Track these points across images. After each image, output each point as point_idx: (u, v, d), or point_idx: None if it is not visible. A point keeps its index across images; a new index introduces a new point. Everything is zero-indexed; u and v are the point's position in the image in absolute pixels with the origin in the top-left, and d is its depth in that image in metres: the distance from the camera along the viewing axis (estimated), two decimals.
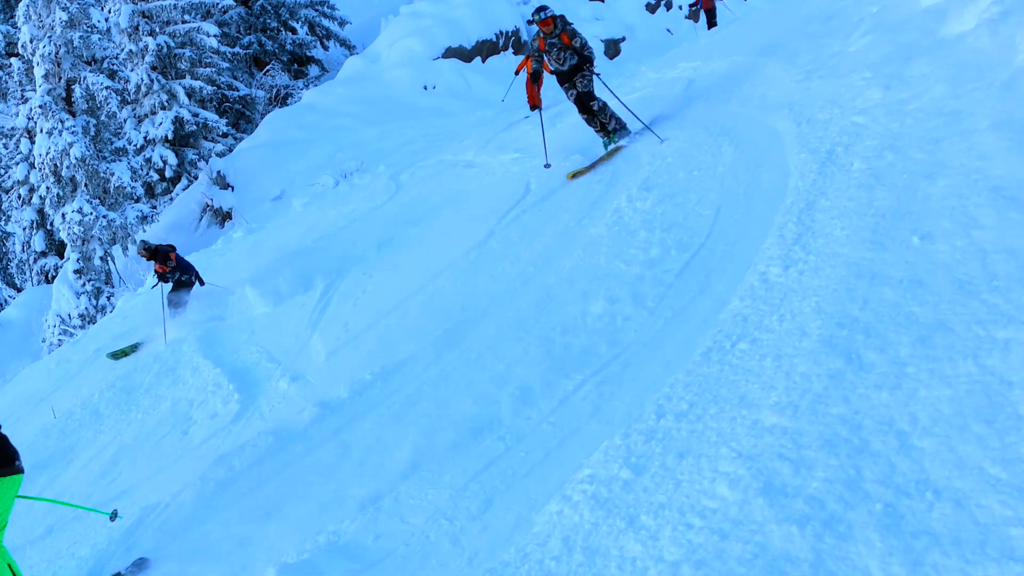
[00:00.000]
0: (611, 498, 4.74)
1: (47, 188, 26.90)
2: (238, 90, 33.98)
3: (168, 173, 29.42)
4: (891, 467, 4.04)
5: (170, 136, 29.08)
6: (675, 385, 5.58)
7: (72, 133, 26.08)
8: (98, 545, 7.44)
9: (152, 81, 28.70)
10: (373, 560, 5.38)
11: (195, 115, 29.78)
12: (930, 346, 4.78)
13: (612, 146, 11.63)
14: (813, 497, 4.03)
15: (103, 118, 27.71)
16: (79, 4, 26.45)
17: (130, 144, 28.78)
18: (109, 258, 26.78)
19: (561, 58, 11.37)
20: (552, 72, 11.75)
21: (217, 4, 32.46)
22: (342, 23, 37.81)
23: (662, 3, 41.70)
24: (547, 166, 12.16)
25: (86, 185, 26.46)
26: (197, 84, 30.39)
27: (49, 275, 31.08)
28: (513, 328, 7.78)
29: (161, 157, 29.14)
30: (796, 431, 4.55)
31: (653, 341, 6.47)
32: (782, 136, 8.97)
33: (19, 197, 30.39)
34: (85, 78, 26.82)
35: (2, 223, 33.68)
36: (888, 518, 3.76)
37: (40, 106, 25.91)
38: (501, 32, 33.82)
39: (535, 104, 13.66)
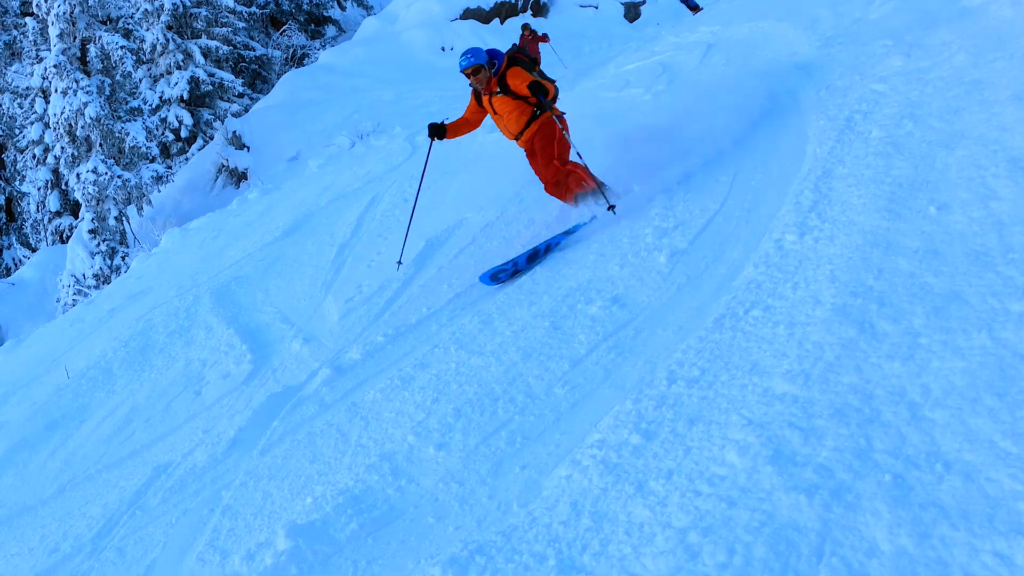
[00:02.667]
0: (620, 463, 4.75)
1: (62, 148, 26.93)
2: (254, 50, 33.93)
3: (183, 133, 29.43)
4: (901, 438, 4.03)
5: (185, 96, 29.07)
6: (687, 351, 5.57)
7: (87, 93, 26.07)
8: (109, 504, 7.49)
9: (168, 41, 28.67)
10: (382, 521, 5.39)
11: (211, 75, 29.75)
12: (944, 317, 4.76)
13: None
14: (822, 466, 4.03)
15: (118, 78, 27.70)
16: None
17: (145, 104, 28.79)
18: (124, 218, 26.84)
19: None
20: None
21: None
22: None
23: None
24: None
25: (101, 145, 26.49)
26: (213, 44, 30.35)
27: (64, 235, 31.20)
28: (526, 293, 7.76)
29: (176, 117, 29.15)
30: (807, 400, 4.54)
31: (666, 307, 6.44)
32: (800, 102, 8.90)
33: (34, 157, 30.47)
34: (100, 37, 26.78)
35: (17, 183, 33.78)
36: (897, 489, 3.75)
37: (55, 66, 25.89)
38: None
39: None
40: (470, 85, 8.89)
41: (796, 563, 3.60)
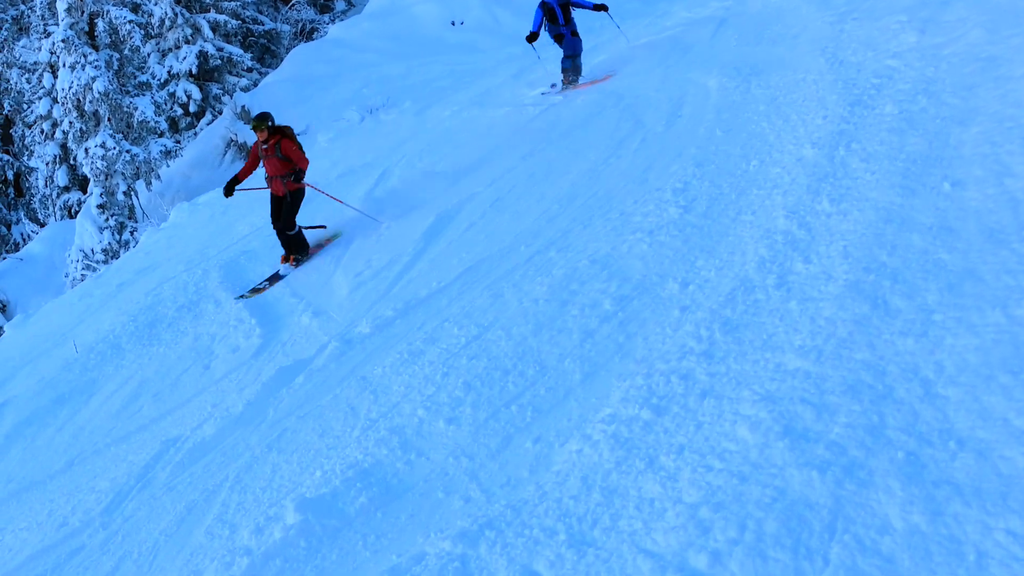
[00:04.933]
0: (631, 438, 4.74)
1: (70, 123, 26.86)
2: (263, 24, 33.79)
3: (192, 108, 29.32)
4: (914, 415, 4.02)
5: (194, 71, 28.94)
6: (699, 325, 5.55)
7: (95, 67, 25.98)
8: (117, 479, 7.51)
9: (176, 15, 28.52)
10: (392, 495, 5.38)
11: (219, 49, 29.62)
12: (958, 294, 4.74)
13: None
14: (835, 443, 4.02)
15: (126, 52, 27.61)
16: None
17: (154, 79, 28.68)
18: (132, 193, 26.78)
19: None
20: None
21: None
22: None
23: None
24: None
25: (109, 120, 26.41)
26: (222, 18, 30.19)
27: (72, 210, 31.18)
28: (537, 267, 7.73)
29: (185, 92, 29.03)
30: (819, 375, 4.52)
31: (677, 282, 6.41)
32: (814, 78, 8.84)
33: (42, 132, 30.40)
34: (108, 12, 26.69)
35: (25, 158, 33.75)
36: (910, 466, 3.74)
37: (63, 40, 25.78)
38: None
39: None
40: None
41: (808, 539, 3.59)
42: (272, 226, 11.56)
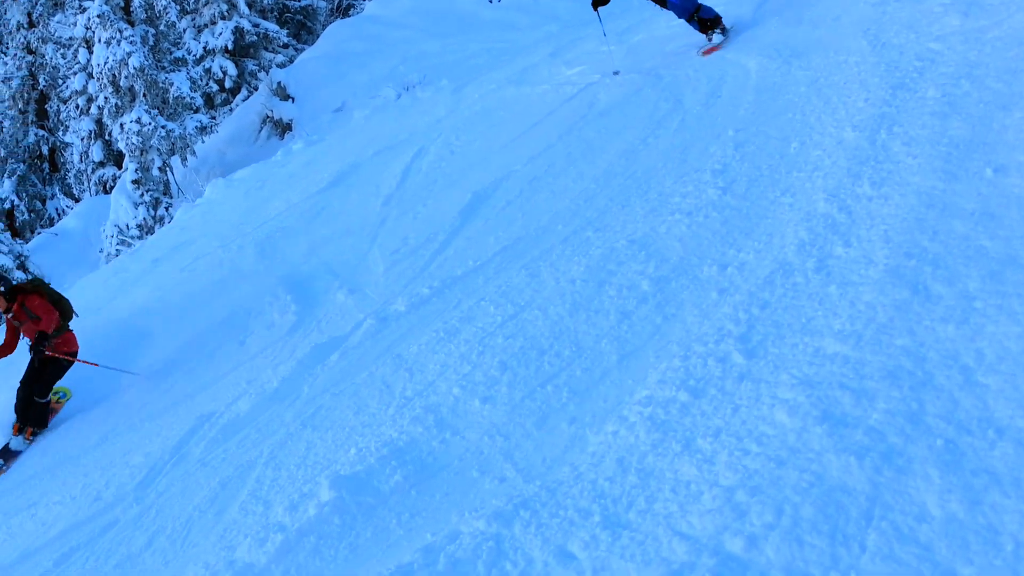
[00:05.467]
0: (668, 420, 4.74)
1: (105, 98, 27.00)
2: (299, 0, 33.81)
3: (228, 84, 29.41)
4: (954, 403, 3.99)
5: (230, 46, 29.00)
6: (737, 308, 5.53)
7: (130, 43, 26.09)
8: (152, 454, 7.57)
9: None
10: (427, 474, 5.41)
11: (255, 25, 29.67)
12: (1000, 281, 4.70)
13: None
14: (873, 429, 4.00)
15: (162, 28, 27.73)
16: None
17: (189, 54, 28.78)
18: (168, 169, 26.91)
19: None
20: None
21: None
22: None
23: None
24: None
25: (144, 95, 26.53)
26: None
27: (107, 185, 31.34)
28: (574, 247, 7.72)
29: (221, 68, 29.12)
30: (859, 360, 4.50)
31: (716, 264, 6.38)
32: (855, 60, 8.75)
33: (77, 107, 30.55)
34: None
35: (60, 133, 33.94)
36: (948, 454, 3.73)
37: (98, 15, 25.89)
38: None
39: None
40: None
41: (845, 526, 3.58)
42: (17, 390, 9.71)
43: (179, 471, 7.15)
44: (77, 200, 34.60)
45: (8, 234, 33.31)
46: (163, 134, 25.95)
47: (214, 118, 28.84)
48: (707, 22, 11.60)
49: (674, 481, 4.25)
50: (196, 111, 27.57)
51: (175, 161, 27.13)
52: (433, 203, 10.83)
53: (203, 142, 27.25)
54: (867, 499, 3.66)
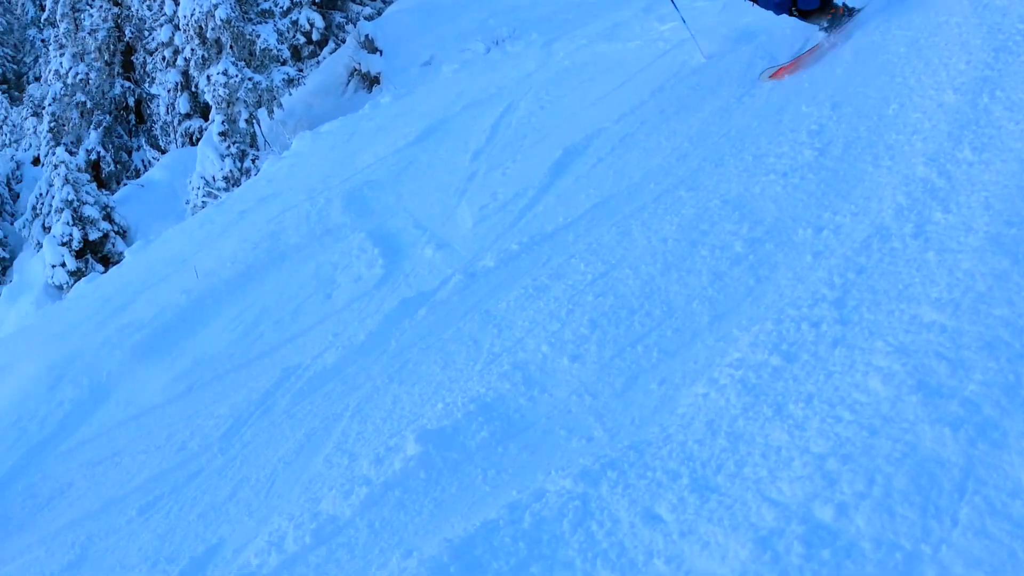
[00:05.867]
0: (759, 384, 4.70)
1: (191, 50, 27.32)
2: None
3: (315, 36, 29.53)
4: None
5: None
6: (832, 272, 5.45)
7: None
8: (237, 405, 7.71)
9: None
10: (513, 431, 5.44)
11: None
12: None
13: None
14: (969, 400, 3.92)
15: None
16: None
17: (276, 6, 28.91)
18: (254, 121, 27.20)
19: None
20: None
21: None
22: None
23: None
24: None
25: (231, 47, 26.79)
26: None
27: (193, 137, 31.81)
28: (666, 205, 7.65)
29: (308, 20, 29.24)
30: (956, 330, 4.41)
31: (810, 226, 6.29)
32: (957, 21, 8.52)
33: (163, 59, 30.98)
34: None
35: (146, 85, 34.44)
36: None
37: None
38: None
39: None
40: None
41: (937, 498, 3.53)
42: None
43: (264, 422, 7.28)
44: (163, 152, 35.21)
45: (94, 185, 34.05)
46: (250, 86, 26.22)
47: (301, 71, 29.01)
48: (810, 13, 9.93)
49: (764, 446, 4.22)
50: (283, 63, 27.77)
51: (262, 113, 27.41)
52: (522, 159, 10.81)
53: (290, 94, 27.46)
54: (961, 472, 3.60)
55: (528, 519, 4.40)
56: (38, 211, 39.04)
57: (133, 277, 13.69)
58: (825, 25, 9.77)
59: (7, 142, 52.26)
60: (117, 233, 35.69)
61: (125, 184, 38.32)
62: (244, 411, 7.59)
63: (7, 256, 45.43)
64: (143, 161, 40.25)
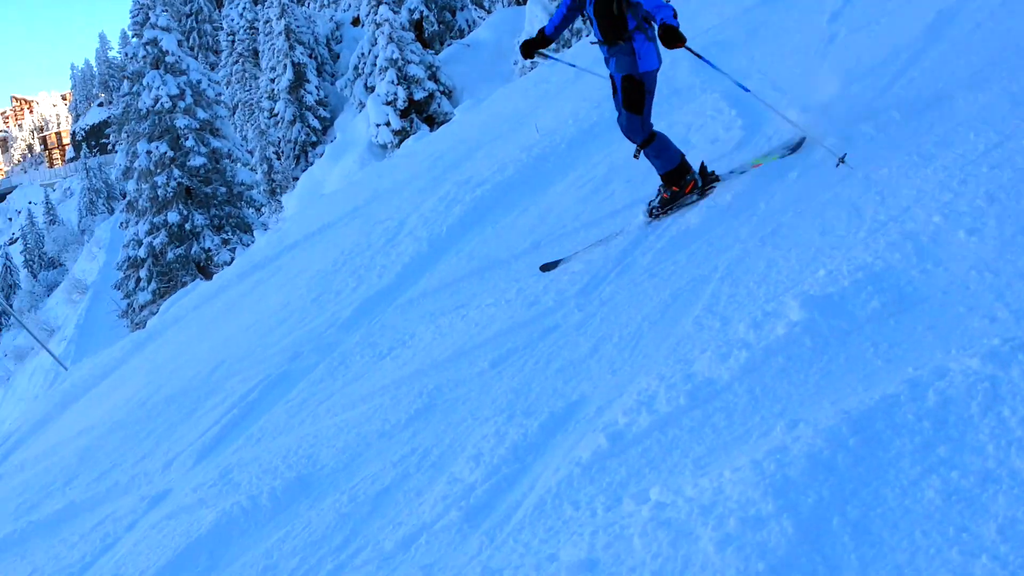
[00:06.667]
0: None
1: None
2: None
3: None
4: None
5: None
6: None
7: None
8: (593, 262, 7.69)
9: None
10: (906, 304, 5.07)
11: None
12: None
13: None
14: None
15: None
16: None
17: None
18: None
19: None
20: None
21: None
22: None
23: None
24: None
25: None
26: None
27: None
28: None
29: None
30: None
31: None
32: None
33: None
34: None
35: None
36: None
37: None
38: None
39: None
40: None
41: None
42: None
43: (624, 280, 7.16)
44: (488, 12, 35.57)
45: (418, 45, 34.96)
46: None
47: None
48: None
49: None
50: None
51: None
52: (887, 21, 10.13)
53: None
54: None
55: (932, 397, 4.08)
56: (360, 71, 40.65)
57: (466, 135, 13.91)
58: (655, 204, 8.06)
59: (327, 2, 54.48)
60: (442, 93, 36.72)
61: (449, 44, 39.22)
62: (602, 268, 7.50)
63: (328, 116, 47.78)
64: (467, 21, 40.94)
